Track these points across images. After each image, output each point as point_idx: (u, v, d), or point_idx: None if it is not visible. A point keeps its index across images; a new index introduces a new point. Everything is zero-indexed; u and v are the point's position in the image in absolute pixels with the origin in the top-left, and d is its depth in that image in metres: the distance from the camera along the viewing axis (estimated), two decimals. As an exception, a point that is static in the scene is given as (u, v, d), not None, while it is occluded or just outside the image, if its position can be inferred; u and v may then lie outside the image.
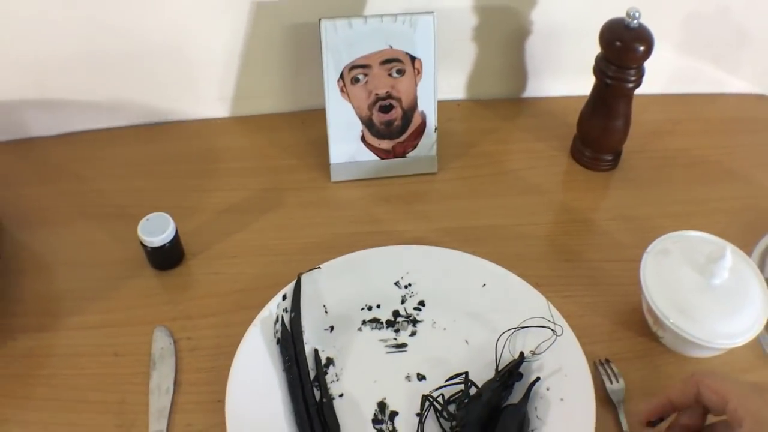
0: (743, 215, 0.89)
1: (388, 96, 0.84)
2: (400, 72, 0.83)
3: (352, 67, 0.82)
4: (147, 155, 0.92)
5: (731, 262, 0.71)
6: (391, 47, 0.81)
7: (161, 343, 0.73)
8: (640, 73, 0.84)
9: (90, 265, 0.80)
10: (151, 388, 0.70)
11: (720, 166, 0.96)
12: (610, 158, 0.92)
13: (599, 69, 0.84)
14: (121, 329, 0.74)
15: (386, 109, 0.85)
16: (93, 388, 0.70)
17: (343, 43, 0.80)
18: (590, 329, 0.75)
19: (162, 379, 0.70)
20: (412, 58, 0.83)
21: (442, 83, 0.87)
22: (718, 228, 0.78)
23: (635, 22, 0.80)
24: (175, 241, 0.77)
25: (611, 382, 0.71)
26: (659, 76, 0.99)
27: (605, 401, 0.70)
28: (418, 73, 0.83)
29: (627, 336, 0.76)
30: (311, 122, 0.88)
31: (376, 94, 0.84)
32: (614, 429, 0.69)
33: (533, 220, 0.87)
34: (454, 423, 0.65)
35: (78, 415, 0.68)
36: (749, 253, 0.84)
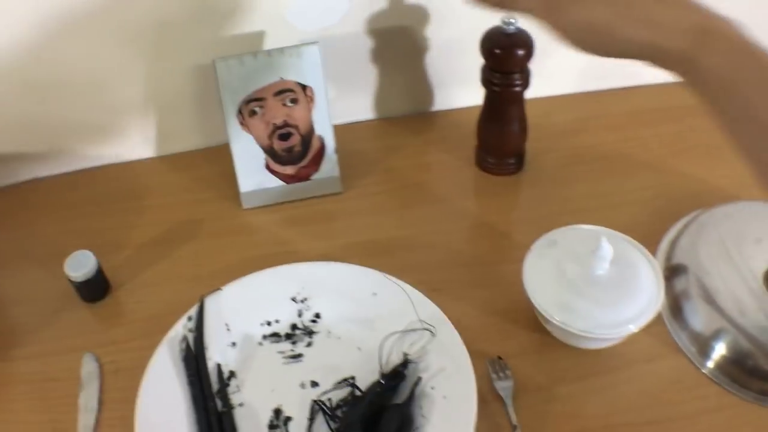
0: (653, 204, 0.90)
1: (285, 125, 0.89)
2: (294, 101, 0.88)
3: (248, 101, 0.87)
4: (81, 198, 0.99)
5: (611, 253, 0.73)
6: (282, 78, 0.86)
7: (88, 367, 0.79)
8: (526, 76, 0.86)
9: (28, 301, 0.87)
10: (80, 407, 0.76)
11: (631, 159, 0.97)
12: (512, 161, 0.95)
13: (485, 77, 0.87)
14: (54, 357, 0.81)
15: (285, 137, 0.89)
16: (28, 410, 0.76)
17: (237, 80, 0.85)
18: (484, 329, 0.78)
19: (88, 399, 0.77)
20: (303, 87, 0.87)
21: (349, 105, 0.91)
22: (625, 219, 0.81)
23: (512, 27, 0.83)
24: (98, 274, 0.84)
25: (500, 379, 0.74)
26: (568, 75, 1.01)
27: (495, 397, 0.73)
28: (311, 100, 0.88)
29: (521, 333, 0.79)
30: (223, 156, 0.94)
31: (274, 124, 0.89)
32: (504, 423, 0.71)
33: (435, 229, 0.90)
34: (337, 426, 0.70)
35: (8, 438, 0.74)
36: (658, 242, 0.86)
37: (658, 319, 0.72)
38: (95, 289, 0.85)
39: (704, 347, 0.76)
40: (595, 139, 1.00)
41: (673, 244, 0.86)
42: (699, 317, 0.77)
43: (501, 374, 0.74)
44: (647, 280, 0.74)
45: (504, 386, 0.74)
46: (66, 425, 0.75)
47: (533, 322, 0.79)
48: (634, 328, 0.71)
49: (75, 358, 0.80)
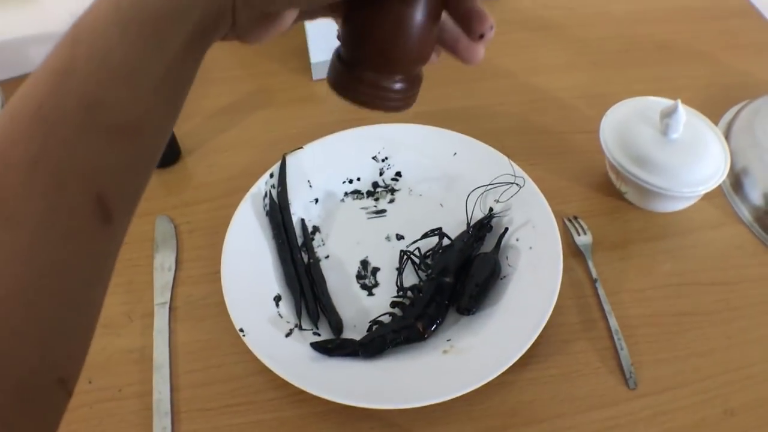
0: (706, 92, 0.92)
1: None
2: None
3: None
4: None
5: (685, 117, 0.74)
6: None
7: (163, 228, 0.78)
8: None
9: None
10: (155, 267, 0.75)
11: (684, 49, 0.98)
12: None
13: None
14: (127, 221, 0.79)
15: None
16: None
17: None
18: (558, 191, 0.78)
19: (164, 259, 0.75)
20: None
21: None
22: (683, 101, 0.80)
23: None
24: (171, 139, 0.82)
25: (579, 235, 0.75)
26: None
27: (575, 253, 0.74)
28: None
29: (595, 196, 0.79)
30: (292, 31, 0.91)
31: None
32: (584, 276, 0.72)
33: (504, 101, 0.90)
34: (430, 272, 0.69)
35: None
36: (716, 124, 0.87)
37: (719, 192, 0.74)
38: (167, 153, 0.83)
39: (762, 219, 0.77)
40: (651, 29, 1.01)
41: (730, 126, 0.87)
42: (757, 192, 0.79)
43: (580, 231, 0.75)
44: (714, 146, 0.75)
45: (584, 242, 0.74)
46: (141, 286, 0.74)
47: (606, 186, 0.79)
48: (706, 188, 0.72)
49: (147, 221, 0.79)
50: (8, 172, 0.30)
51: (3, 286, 0.30)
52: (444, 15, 0.41)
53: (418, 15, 0.39)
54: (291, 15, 0.39)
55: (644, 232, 0.77)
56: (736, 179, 0.81)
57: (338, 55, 0.43)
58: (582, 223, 0.76)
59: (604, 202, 0.79)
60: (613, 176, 0.78)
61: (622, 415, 0.63)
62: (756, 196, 0.79)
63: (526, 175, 0.74)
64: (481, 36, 0.40)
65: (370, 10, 0.39)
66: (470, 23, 0.40)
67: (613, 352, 0.67)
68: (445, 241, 0.72)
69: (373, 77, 0.41)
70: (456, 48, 0.42)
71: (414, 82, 0.43)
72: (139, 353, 0.69)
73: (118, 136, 0.32)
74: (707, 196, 0.75)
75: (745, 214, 0.79)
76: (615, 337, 0.67)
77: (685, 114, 0.73)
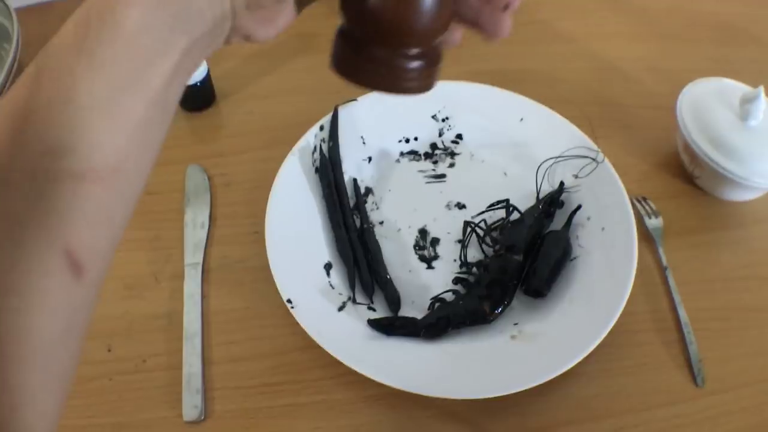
0: (768, 77, 0.85)
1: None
2: None
3: None
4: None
5: (765, 105, 0.67)
6: None
7: (195, 179, 0.69)
8: None
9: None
10: (186, 223, 0.66)
11: (747, 32, 0.91)
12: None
13: None
14: (154, 169, 0.69)
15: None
16: (129, 226, 0.65)
17: None
18: (625, 168, 0.71)
19: (197, 214, 0.66)
20: None
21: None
22: (747, 85, 0.74)
23: None
24: (207, 81, 0.72)
25: (650, 218, 0.68)
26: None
27: (644, 236, 0.67)
28: None
29: (662, 177, 0.73)
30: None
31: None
32: (653, 262, 0.65)
33: (565, 66, 0.82)
34: (497, 247, 0.62)
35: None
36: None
37: None
38: (201, 96, 0.74)
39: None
40: (714, 8, 0.93)
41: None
42: None
43: (651, 214, 0.68)
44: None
45: (654, 225, 0.67)
46: (170, 242, 0.65)
47: (674, 167, 0.73)
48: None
49: (177, 170, 0.70)
50: None
51: None
52: None
53: None
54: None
55: (712, 220, 0.70)
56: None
57: (342, 33, 0.36)
58: (652, 205, 0.69)
59: (672, 185, 0.72)
60: (685, 158, 0.70)
61: (689, 413, 0.57)
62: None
63: (599, 151, 0.66)
64: (506, 6, 0.34)
65: None
66: None
67: (682, 346, 0.61)
68: (514, 215, 0.64)
69: (385, 54, 0.34)
70: (478, 21, 0.36)
71: (432, 59, 0.36)
72: (167, 320, 0.60)
73: (87, 184, 0.27)
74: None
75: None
76: (684, 330, 0.61)
77: (766, 102, 0.66)
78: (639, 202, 0.69)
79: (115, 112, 0.27)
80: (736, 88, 0.71)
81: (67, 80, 0.27)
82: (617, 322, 0.56)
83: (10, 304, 0.27)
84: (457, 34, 0.37)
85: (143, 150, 0.29)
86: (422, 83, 0.36)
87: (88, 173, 0.27)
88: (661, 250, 0.66)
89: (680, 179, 0.72)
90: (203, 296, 0.61)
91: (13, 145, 0.27)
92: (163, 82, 0.28)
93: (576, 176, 0.65)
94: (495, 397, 0.52)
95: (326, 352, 0.53)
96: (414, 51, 0.34)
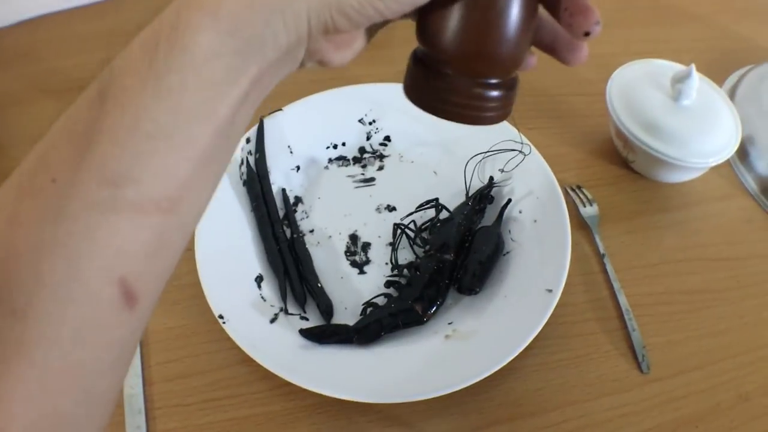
0: (707, 56, 0.85)
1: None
2: None
3: None
4: (104, 29, 0.84)
5: (698, 83, 0.66)
6: None
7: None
8: None
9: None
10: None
11: (682, 10, 0.91)
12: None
13: None
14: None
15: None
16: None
17: None
18: (559, 158, 0.71)
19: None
20: None
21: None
22: (684, 64, 0.74)
23: None
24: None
25: (585, 206, 0.67)
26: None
27: (580, 225, 0.67)
28: None
29: (597, 164, 0.72)
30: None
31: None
32: (590, 251, 0.65)
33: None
34: (427, 248, 0.61)
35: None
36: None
37: (725, 162, 0.66)
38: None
39: (769, 191, 0.72)
40: (645, -13, 0.93)
41: (733, 92, 0.80)
42: (764, 162, 0.72)
43: (586, 202, 0.67)
44: (725, 115, 0.68)
45: (590, 213, 0.67)
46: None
47: (609, 153, 0.72)
48: (717, 159, 0.65)
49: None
50: (16, 262, 0.26)
51: None
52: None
53: (515, 3, 0.31)
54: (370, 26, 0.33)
55: (650, 204, 0.70)
56: (742, 148, 0.74)
57: (417, 58, 0.34)
58: (587, 193, 0.68)
59: (608, 171, 0.71)
60: (619, 143, 0.70)
61: (636, 401, 0.57)
62: (762, 167, 0.73)
63: (528, 143, 0.65)
64: (587, 34, 0.32)
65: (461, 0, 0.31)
66: (573, 18, 0.32)
67: (624, 334, 0.61)
68: (443, 214, 0.63)
69: (466, 84, 0.33)
70: (554, 47, 0.35)
71: (511, 87, 0.34)
72: (103, 342, 0.59)
73: (148, 215, 0.27)
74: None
75: (752, 185, 0.73)
76: (626, 317, 0.61)
77: (698, 79, 0.66)
78: (573, 190, 0.68)
79: (181, 142, 0.26)
80: (668, 67, 0.71)
81: (133, 108, 0.26)
82: (556, 314, 0.56)
83: (65, 334, 0.26)
84: (533, 59, 0.36)
85: (205, 182, 0.28)
86: (503, 112, 0.35)
87: (149, 204, 0.26)
88: (597, 238, 0.65)
89: (616, 165, 0.72)
90: (137, 318, 0.60)
91: (74, 173, 0.26)
92: (231, 112, 0.27)
93: (502, 170, 0.65)
94: (435, 398, 0.52)
95: (262, 366, 0.52)
96: (494, 80, 0.33)
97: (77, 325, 0.27)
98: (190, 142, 0.27)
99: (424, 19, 0.32)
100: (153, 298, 0.29)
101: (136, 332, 0.29)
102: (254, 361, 0.52)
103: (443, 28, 0.32)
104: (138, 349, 0.58)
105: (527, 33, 0.33)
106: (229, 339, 0.54)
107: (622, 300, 0.62)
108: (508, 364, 0.53)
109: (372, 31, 0.35)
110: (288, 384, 0.52)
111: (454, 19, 0.31)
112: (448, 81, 0.33)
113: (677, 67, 0.70)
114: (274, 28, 0.27)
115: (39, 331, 0.26)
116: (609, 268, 0.63)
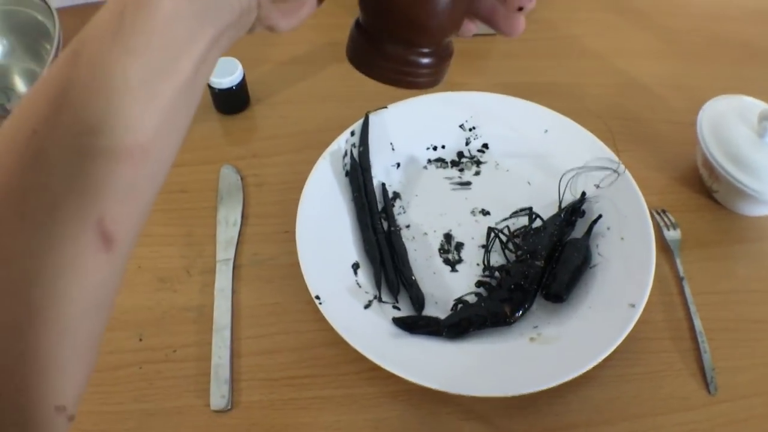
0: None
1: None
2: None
3: None
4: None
5: (783, 122, 0.68)
6: None
7: (228, 179, 0.71)
8: None
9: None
10: (219, 220, 0.68)
11: (766, 52, 0.92)
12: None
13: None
14: (188, 168, 0.72)
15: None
16: (158, 223, 0.68)
17: None
18: (645, 182, 0.72)
19: (229, 212, 0.68)
20: None
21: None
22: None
23: None
24: (242, 84, 0.74)
25: (668, 230, 0.69)
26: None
27: (662, 247, 0.68)
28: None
29: (681, 191, 0.74)
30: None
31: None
32: (670, 273, 0.67)
33: (589, 81, 0.83)
34: (519, 253, 0.63)
35: (141, 249, 0.66)
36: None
37: None
38: (236, 99, 0.76)
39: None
40: (734, 27, 0.94)
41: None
42: None
43: (670, 226, 0.69)
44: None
45: (672, 237, 0.69)
46: (202, 239, 0.67)
47: (693, 181, 0.74)
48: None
49: (211, 170, 0.72)
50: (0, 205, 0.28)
51: None
52: None
53: None
54: None
55: (729, 234, 0.71)
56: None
57: (358, 25, 0.37)
58: (671, 217, 0.70)
59: (691, 198, 0.73)
60: (704, 172, 0.72)
61: (701, 420, 0.58)
62: None
63: (620, 163, 0.67)
64: (521, 8, 0.35)
65: None
66: None
67: (696, 355, 0.62)
68: (536, 223, 0.66)
69: (399, 50, 0.36)
70: (493, 19, 0.37)
71: (443, 56, 0.37)
72: (198, 312, 0.62)
73: (120, 161, 0.29)
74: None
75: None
76: (699, 339, 0.62)
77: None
78: (658, 214, 0.70)
79: (148, 96, 0.29)
80: (755, 105, 0.72)
81: (104, 65, 0.28)
82: (634, 330, 0.57)
83: (46, 273, 0.28)
84: (471, 27, 0.38)
85: (171, 133, 0.31)
86: (433, 79, 0.38)
87: (121, 152, 0.28)
88: (678, 261, 0.67)
89: (699, 193, 0.73)
90: (233, 291, 0.63)
91: (51, 124, 0.28)
92: (192, 69, 0.30)
93: (597, 186, 0.67)
94: (513, 397, 0.54)
95: (351, 348, 0.54)
96: (426, 49, 0.36)
97: (59, 262, 0.28)
98: (157, 96, 0.29)
99: None
100: (128, 243, 0.31)
101: (114, 275, 0.31)
102: (342, 344, 0.55)
103: (379, 1, 0.35)
104: (229, 321, 0.61)
105: (458, 7, 0.35)
106: (319, 320, 0.56)
107: (697, 323, 0.63)
108: (587, 371, 0.55)
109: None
110: (374, 369, 0.54)
111: None
112: (383, 48, 0.36)
113: (764, 106, 0.72)
114: None
115: (21, 269, 0.28)
116: (687, 291, 0.65)
